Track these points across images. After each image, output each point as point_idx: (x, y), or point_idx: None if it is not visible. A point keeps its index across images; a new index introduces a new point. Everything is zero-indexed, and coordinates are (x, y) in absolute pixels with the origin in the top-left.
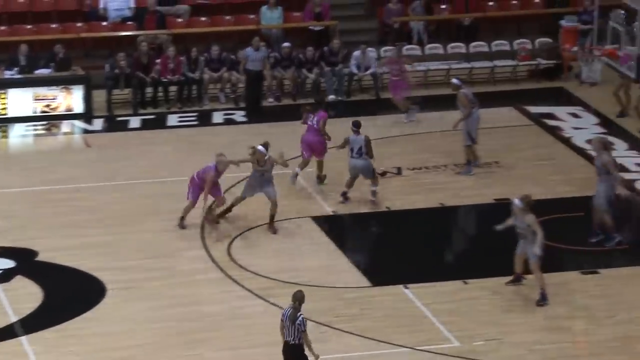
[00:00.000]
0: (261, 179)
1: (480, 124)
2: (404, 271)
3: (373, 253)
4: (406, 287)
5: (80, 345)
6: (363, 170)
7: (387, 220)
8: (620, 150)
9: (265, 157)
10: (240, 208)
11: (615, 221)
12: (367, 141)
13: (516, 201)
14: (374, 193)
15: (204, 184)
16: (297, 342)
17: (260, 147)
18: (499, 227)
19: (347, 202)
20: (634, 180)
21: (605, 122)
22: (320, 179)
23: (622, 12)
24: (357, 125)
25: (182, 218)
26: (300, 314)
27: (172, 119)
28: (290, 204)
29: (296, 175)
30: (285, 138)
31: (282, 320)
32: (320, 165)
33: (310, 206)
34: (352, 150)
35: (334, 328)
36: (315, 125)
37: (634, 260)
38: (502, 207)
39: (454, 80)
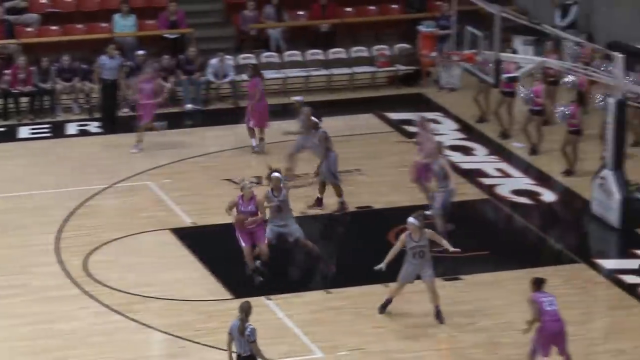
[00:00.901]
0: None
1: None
2: (266, 282)
3: (234, 264)
4: (269, 299)
5: None
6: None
7: None
8: (481, 155)
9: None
10: (94, 220)
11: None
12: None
13: (411, 220)
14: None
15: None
16: (248, 353)
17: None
18: (381, 265)
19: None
20: (494, 186)
21: (465, 127)
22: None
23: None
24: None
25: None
26: (249, 325)
27: (24, 131)
28: (149, 216)
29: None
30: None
31: (229, 334)
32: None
33: (169, 218)
34: None
35: (194, 342)
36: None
37: (495, 266)
38: (364, 215)
39: (297, 98)
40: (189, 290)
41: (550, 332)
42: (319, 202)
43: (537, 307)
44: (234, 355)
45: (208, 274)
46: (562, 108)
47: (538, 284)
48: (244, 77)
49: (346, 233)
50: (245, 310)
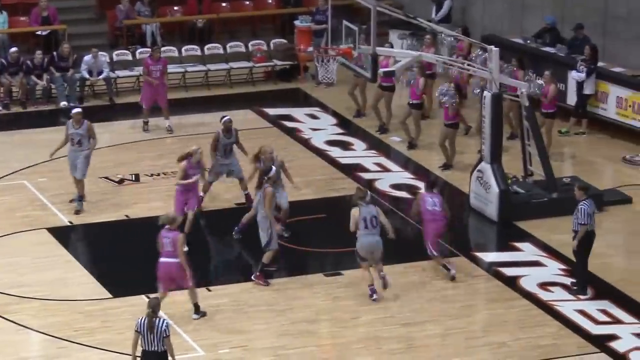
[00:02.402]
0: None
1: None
2: (145, 280)
3: (113, 263)
4: (147, 297)
5: None
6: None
7: (127, 229)
8: (359, 150)
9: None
10: None
11: None
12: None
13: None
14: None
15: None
16: (161, 349)
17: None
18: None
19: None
20: (374, 180)
21: (343, 122)
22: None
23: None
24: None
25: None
26: (163, 320)
27: None
28: (25, 216)
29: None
30: (15, 148)
31: (136, 332)
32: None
33: (46, 217)
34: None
35: (74, 342)
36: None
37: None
38: (242, 211)
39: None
40: (67, 290)
41: (430, 229)
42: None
43: (419, 205)
44: (138, 353)
45: (86, 274)
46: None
47: (429, 185)
48: (119, 73)
49: (225, 229)
50: (153, 307)
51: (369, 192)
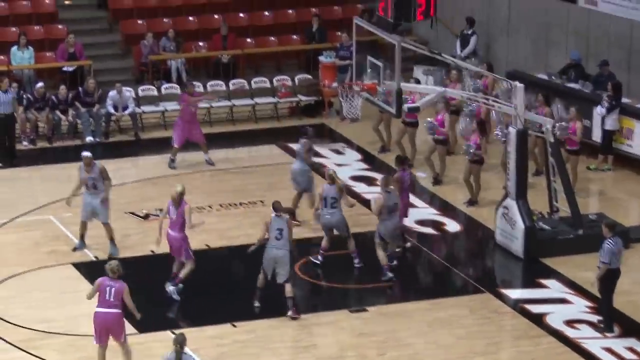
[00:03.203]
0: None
1: None
2: (170, 316)
3: (138, 298)
4: (173, 333)
5: None
6: (338, 226)
7: (152, 265)
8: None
9: None
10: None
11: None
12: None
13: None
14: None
15: None
16: None
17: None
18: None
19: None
20: None
21: (367, 157)
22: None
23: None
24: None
25: None
26: (191, 355)
27: None
28: (51, 251)
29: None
30: (41, 183)
31: None
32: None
33: (72, 252)
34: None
35: None
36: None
37: (400, 297)
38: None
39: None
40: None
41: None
42: None
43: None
44: None
45: None
46: (468, 143)
47: (400, 162)
48: (144, 109)
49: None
50: (181, 342)
51: (391, 178)
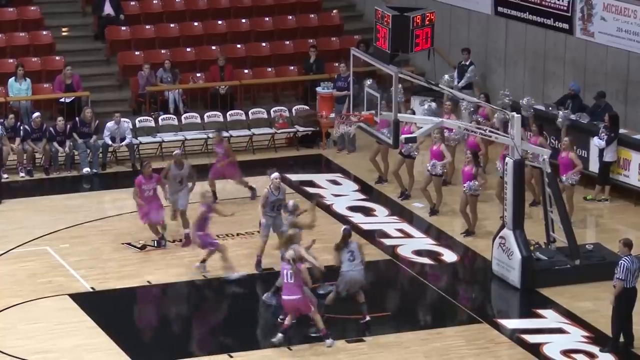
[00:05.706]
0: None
1: None
2: (167, 346)
3: (135, 329)
4: None
5: None
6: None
7: (148, 295)
8: (381, 216)
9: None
10: None
11: None
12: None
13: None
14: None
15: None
16: None
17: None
18: None
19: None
20: (396, 246)
21: (364, 188)
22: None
23: (370, 80)
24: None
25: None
26: None
27: None
28: (48, 282)
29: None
30: (38, 214)
31: None
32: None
33: (68, 283)
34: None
35: None
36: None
37: (397, 327)
38: (269, 277)
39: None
40: (89, 356)
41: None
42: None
43: None
44: None
45: (108, 340)
46: (469, 184)
47: None
48: (142, 140)
49: (245, 295)
50: None
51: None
